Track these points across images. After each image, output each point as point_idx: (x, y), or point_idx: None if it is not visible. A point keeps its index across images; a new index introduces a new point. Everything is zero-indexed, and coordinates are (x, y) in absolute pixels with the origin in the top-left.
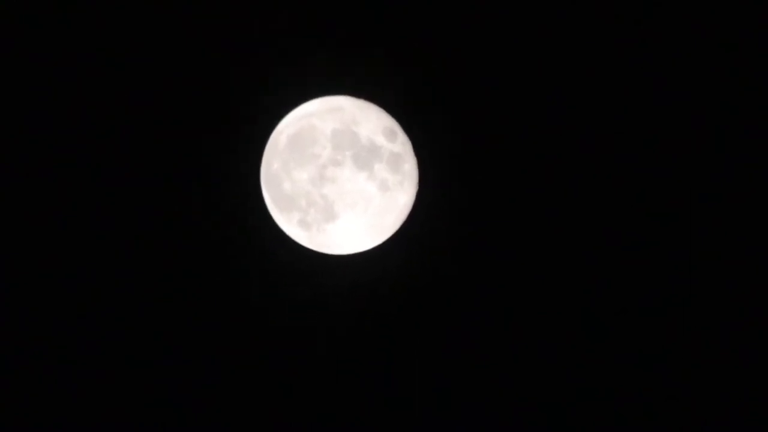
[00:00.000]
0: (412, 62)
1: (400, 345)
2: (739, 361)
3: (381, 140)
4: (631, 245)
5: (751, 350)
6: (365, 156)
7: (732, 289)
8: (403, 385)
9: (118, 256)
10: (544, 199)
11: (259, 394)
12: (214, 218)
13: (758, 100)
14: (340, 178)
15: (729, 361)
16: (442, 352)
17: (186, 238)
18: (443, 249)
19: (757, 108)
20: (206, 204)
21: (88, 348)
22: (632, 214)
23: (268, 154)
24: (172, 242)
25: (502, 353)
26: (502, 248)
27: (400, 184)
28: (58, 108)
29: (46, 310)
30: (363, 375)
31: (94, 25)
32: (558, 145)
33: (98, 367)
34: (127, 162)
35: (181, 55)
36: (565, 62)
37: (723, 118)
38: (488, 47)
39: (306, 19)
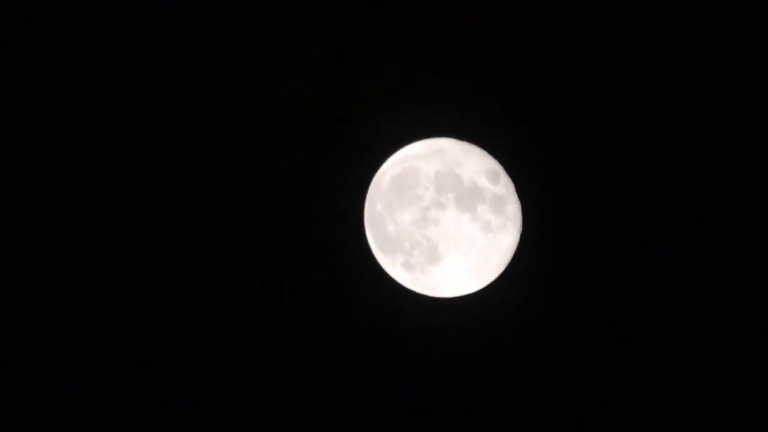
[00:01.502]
0: (515, 103)
1: (504, 391)
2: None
3: (484, 182)
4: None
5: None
6: (468, 198)
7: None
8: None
9: (222, 306)
10: (648, 245)
11: None
12: (318, 259)
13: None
14: (443, 221)
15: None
16: (544, 401)
17: (290, 277)
18: (547, 293)
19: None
20: (310, 245)
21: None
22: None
23: (371, 196)
24: (275, 283)
25: (603, 407)
26: (608, 293)
27: (504, 225)
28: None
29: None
30: (466, 422)
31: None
32: (666, 191)
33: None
34: (226, 203)
35: (290, 96)
36: (672, 109)
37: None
38: (590, 89)
39: (411, 61)
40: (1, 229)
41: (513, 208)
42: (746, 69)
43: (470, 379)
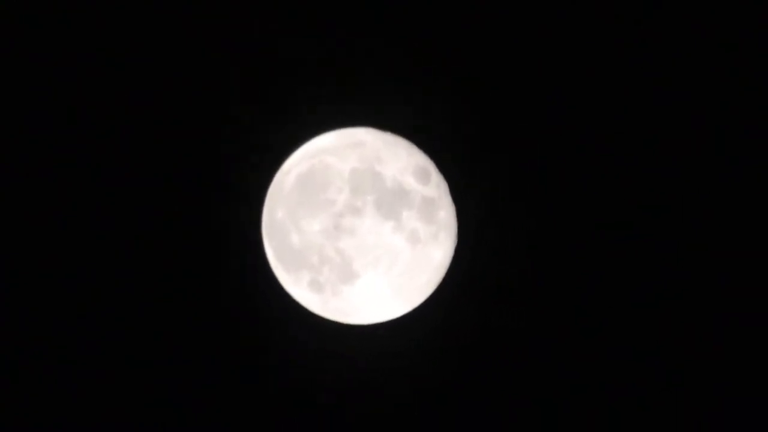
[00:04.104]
0: (450, 87)
1: None
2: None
3: (411, 182)
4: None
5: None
6: (391, 201)
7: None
8: None
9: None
10: (605, 252)
11: None
12: (204, 278)
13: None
14: (360, 230)
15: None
16: None
17: (169, 301)
18: (488, 319)
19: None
20: (193, 261)
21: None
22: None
23: (271, 200)
24: (156, 302)
25: None
26: (562, 318)
27: (434, 236)
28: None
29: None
30: None
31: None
32: (620, 186)
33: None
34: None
35: (167, 66)
36: (626, 100)
37: None
38: (542, 70)
39: (320, 32)
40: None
41: (446, 214)
42: (703, 66)
43: (390, 424)
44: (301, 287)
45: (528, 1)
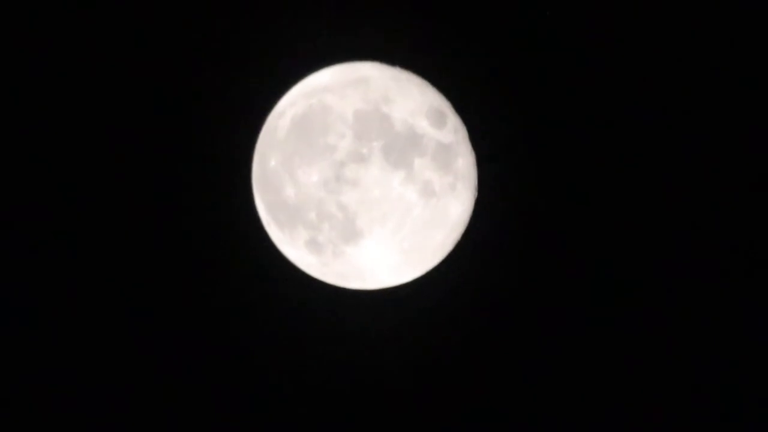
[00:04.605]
0: (471, 15)
1: (448, 415)
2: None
3: (424, 126)
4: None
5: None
6: (401, 148)
7: None
8: None
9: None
10: (634, 205)
11: None
12: (186, 237)
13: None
14: (364, 181)
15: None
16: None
17: (157, 260)
18: (511, 283)
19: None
20: (175, 218)
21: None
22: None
23: (262, 147)
24: (133, 266)
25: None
26: (588, 282)
27: (451, 188)
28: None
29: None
30: None
31: None
32: (647, 136)
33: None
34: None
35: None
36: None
37: None
38: (574, 12)
39: None
40: None
41: (464, 163)
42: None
43: (401, 399)
44: (297, 247)
45: None
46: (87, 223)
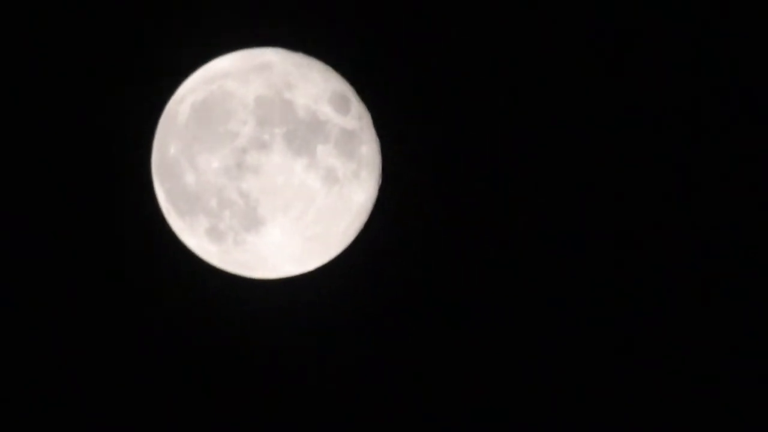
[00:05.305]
0: (371, 3)
1: (350, 411)
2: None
3: (327, 112)
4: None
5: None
6: (304, 134)
7: None
8: None
9: None
10: (546, 195)
11: None
12: (85, 226)
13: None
14: (266, 168)
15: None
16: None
17: (51, 250)
18: (416, 272)
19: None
20: (73, 207)
21: None
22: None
23: (162, 134)
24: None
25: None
26: (501, 274)
27: (355, 175)
28: None
29: None
30: None
31: None
32: (554, 119)
33: None
34: None
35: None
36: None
37: None
38: None
39: None
40: None
41: (368, 150)
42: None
43: (303, 389)
44: (197, 236)
45: None
46: None
